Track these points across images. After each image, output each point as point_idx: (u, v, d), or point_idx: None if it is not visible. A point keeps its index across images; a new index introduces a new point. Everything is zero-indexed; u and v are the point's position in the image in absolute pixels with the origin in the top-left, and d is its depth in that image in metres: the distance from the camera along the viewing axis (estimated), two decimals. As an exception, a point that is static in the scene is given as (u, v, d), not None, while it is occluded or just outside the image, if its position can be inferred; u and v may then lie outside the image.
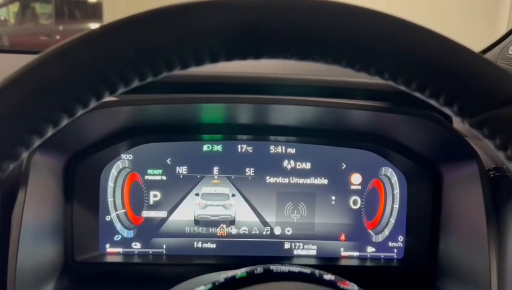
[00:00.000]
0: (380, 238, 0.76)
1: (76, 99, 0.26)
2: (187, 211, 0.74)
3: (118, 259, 0.73)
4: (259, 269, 0.45)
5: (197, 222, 0.74)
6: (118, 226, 0.73)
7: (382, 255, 0.76)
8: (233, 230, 0.75)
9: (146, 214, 0.74)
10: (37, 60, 0.25)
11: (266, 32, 0.26)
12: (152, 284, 0.72)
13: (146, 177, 0.73)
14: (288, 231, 0.75)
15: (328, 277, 0.46)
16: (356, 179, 0.75)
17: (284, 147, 0.75)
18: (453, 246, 0.69)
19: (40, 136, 0.26)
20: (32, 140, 0.26)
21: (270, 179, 0.75)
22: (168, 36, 0.26)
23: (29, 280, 0.60)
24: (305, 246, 0.76)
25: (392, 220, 0.75)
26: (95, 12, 5.56)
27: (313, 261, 0.75)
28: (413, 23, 0.27)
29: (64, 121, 0.27)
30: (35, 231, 0.62)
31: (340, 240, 0.76)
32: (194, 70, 0.27)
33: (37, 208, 0.62)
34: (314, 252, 0.76)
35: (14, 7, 5.40)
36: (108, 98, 0.28)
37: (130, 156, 0.73)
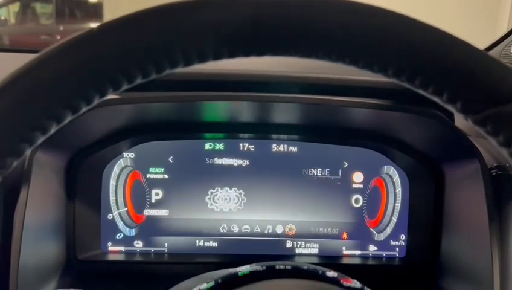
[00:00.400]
0: (382, 236, 0.76)
1: (80, 96, 0.26)
2: (189, 210, 0.74)
3: (120, 257, 0.73)
4: (261, 266, 0.45)
5: (199, 220, 0.74)
6: (120, 224, 0.73)
7: (384, 253, 0.76)
8: (235, 228, 0.75)
9: (148, 212, 0.74)
10: (41, 57, 0.25)
11: (269, 29, 0.26)
12: (154, 282, 0.72)
13: (148, 175, 0.73)
14: (290, 229, 0.75)
15: (331, 273, 0.46)
16: (358, 177, 0.75)
17: (285, 146, 0.75)
18: (455, 245, 0.69)
19: (44, 133, 0.26)
20: (36, 137, 0.26)
21: (271, 178, 0.74)
22: (171, 33, 0.26)
23: (31, 278, 0.60)
24: (307, 245, 0.76)
25: (394, 219, 0.75)
26: (96, 12, 5.56)
27: (314, 260, 0.75)
28: (416, 19, 0.27)
29: (68, 118, 0.27)
30: (37, 229, 0.62)
31: (342, 239, 0.76)
32: (197, 68, 0.27)
33: (39, 206, 0.62)
34: (316, 251, 0.76)
35: (15, 7, 5.40)
36: (111, 96, 0.28)
37: (132, 155, 0.73)
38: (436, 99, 0.28)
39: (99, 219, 0.72)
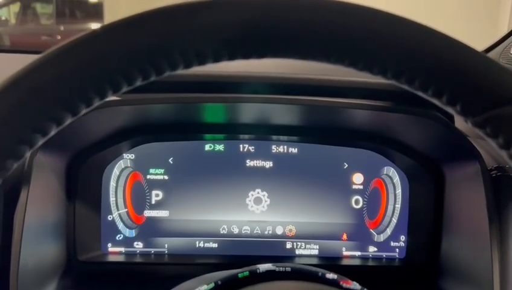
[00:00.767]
0: (381, 237, 0.76)
1: (80, 98, 0.26)
2: (189, 211, 0.74)
3: (120, 258, 0.74)
4: (261, 268, 0.45)
5: (199, 221, 0.74)
6: (120, 225, 0.73)
7: (384, 254, 0.76)
8: (235, 229, 0.75)
9: (148, 213, 0.74)
10: (41, 59, 0.25)
11: (269, 32, 0.26)
12: (154, 283, 0.72)
13: (148, 176, 0.73)
14: (290, 230, 0.76)
15: (331, 275, 0.46)
16: (358, 178, 0.75)
17: (285, 147, 0.75)
18: (455, 246, 0.69)
19: (44, 135, 0.26)
20: (36, 139, 0.26)
21: (271, 179, 0.75)
22: (171, 35, 0.26)
23: (31, 279, 0.61)
24: (307, 246, 0.76)
25: (394, 220, 0.75)
26: (96, 12, 5.56)
27: (314, 261, 0.75)
28: (416, 22, 0.27)
29: (68, 120, 0.27)
30: (37, 230, 0.62)
31: (342, 240, 0.76)
32: (196, 69, 0.27)
33: (39, 208, 0.62)
34: (316, 252, 0.76)
35: (15, 7, 5.40)
36: (111, 97, 0.28)
37: (132, 156, 0.73)
38: (435, 101, 0.28)
39: (100, 220, 0.73)
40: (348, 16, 0.26)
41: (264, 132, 0.74)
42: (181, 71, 0.27)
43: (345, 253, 0.76)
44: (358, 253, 0.76)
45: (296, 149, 0.75)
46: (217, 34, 0.26)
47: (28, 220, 0.59)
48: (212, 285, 0.44)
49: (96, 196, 0.72)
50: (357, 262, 0.76)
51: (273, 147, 0.75)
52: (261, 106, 0.67)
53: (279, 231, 0.75)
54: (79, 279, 0.70)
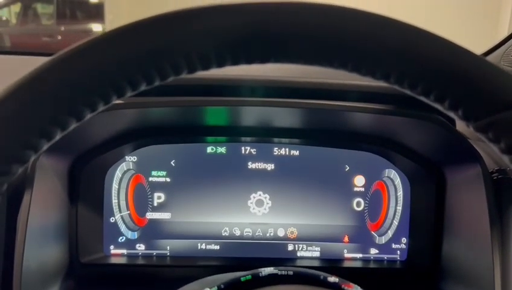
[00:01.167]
0: (383, 240, 0.76)
1: (85, 104, 0.26)
2: (191, 213, 0.74)
3: (122, 260, 0.74)
4: (264, 271, 0.45)
5: (201, 223, 0.75)
6: (122, 227, 0.74)
7: (385, 257, 0.77)
8: (237, 232, 0.75)
9: (150, 215, 0.74)
10: (46, 64, 0.26)
11: (272, 37, 0.26)
12: (156, 285, 0.72)
13: (150, 179, 0.74)
14: (292, 232, 0.76)
15: (332, 279, 0.46)
16: (359, 181, 0.75)
17: (287, 149, 0.75)
18: (456, 248, 0.69)
19: (49, 140, 0.27)
20: (41, 144, 0.27)
21: (273, 181, 0.75)
22: (176, 40, 0.26)
23: (34, 282, 0.61)
24: (309, 248, 0.76)
25: (396, 222, 0.76)
26: (97, 12, 5.56)
27: (316, 263, 0.75)
28: (419, 27, 0.27)
29: (73, 125, 0.27)
30: (40, 232, 0.62)
31: (344, 242, 0.76)
32: (199, 73, 0.27)
33: (42, 210, 0.62)
34: (317, 254, 0.76)
35: (16, 7, 5.40)
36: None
37: (134, 158, 0.73)
38: (437, 106, 0.28)
39: (102, 222, 0.73)
40: (350, 21, 0.26)
41: (265, 134, 0.74)
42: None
43: (347, 255, 0.76)
44: (359, 255, 0.77)
45: (297, 151, 0.75)
46: (221, 39, 0.26)
47: (31, 222, 0.59)
48: (215, 288, 0.44)
49: (99, 198, 0.72)
50: (358, 264, 0.76)
51: (275, 149, 0.75)
52: (263, 109, 0.67)
53: (280, 233, 0.76)
54: (81, 281, 0.71)
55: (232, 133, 0.74)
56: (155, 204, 0.74)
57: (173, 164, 0.74)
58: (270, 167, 0.75)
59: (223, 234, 0.75)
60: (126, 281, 0.72)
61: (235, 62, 0.27)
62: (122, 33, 0.26)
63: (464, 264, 0.67)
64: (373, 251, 0.77)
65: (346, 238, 0.76)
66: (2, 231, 0.61)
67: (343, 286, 0.45)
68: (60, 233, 0.68)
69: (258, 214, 0.75)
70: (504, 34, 0.92)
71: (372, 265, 0.76)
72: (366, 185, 0.75)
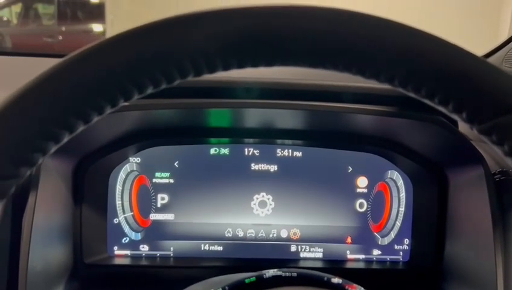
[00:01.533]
0: (386, 241, 0.76)
1: (93, 107, 0.27)
2: (194, 214, 0.75)
3: (126, 261, 0.74)
4: (268, 273, 0.46)
5: (204, 224, 0.75)
6: (126, 228, 0.74)
7: (388, 258, 0.77)
8: (240, 233, 0.75)
9: (154, 216, 0.74)
10: (54, 68, 0.26)
11: (277, 41, 0.26)
12: (160, 286, 0.72)
13: (154, 180, 0.74)
14: (295, 233, 0.76)
15: (336, 280, 0.46)
16: (362, 182, 0.76)
17: (290, 150, 0.75)
18: (459, 249, 0.70)
19: (57, 143, 0.27)
20: (49, 146, 0.27)
21: (276, 183, 0.75)
22: (182, 44, 0.26)
23: (39, 282, 0.61)
24: (312, 249, 0.76)
25: (398, 223, 0.76)
26: (98, 13, 5.56)
27: (319, 264, 0.75)
28: (422, 30, 0.27)
29: (80, 128, 0.27)
30: (45, 233, 0.62)
31: (346, 243, 0.76)
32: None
33: (47, 211, 0.63)
34: (320, 255, 0.77)
35: (17, 8, 5.40)
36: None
37: (138, 159, 0.74)
38: (441, 109, 0.29)
39: (106, 223, 0.73)
40: (354, 24, 0.27)
41: (268, 135, 0.74)
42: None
43: (349, 256, 0.77)
44: (362, 256, 0.77)
45: (300, 153, 0.75)
46: (227, 42, 0.26)
47: (36, 223, 0.59)
48: (219, 290, 0.44)
49: (103, 199, 0.73)
50: (361, 265, 0.76)
51: (278, 150, 0.75)
52: (266, 111, 0.67)
53: (283, 234, 0.76)
54: (85, 282, 0.71)
55: (235, 134, 0.74)
56: (159, 205, 0.74)
57: (177, 165, 0.74)
58: (273, 168, 0.75)
59: (226, 235, 0.75)
60: (130, 282, 0.73)
61: (241, 65, 0.27)
62: (128, 37, 0.26)
63: (466, 265, 0.68)
64: (376, 252, 0.77)
65: (349, 239, 0.76)
66: (7, 232, 0.61)
67: (346, 287, 0.45)
68: (64, 234, 0.68)
69: (261, 215, 0.75)
70: (505, 36, 0.92)
71: (374, 266, 0.76)
72: (369, 187, 0.76)
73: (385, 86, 0.29)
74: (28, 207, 0.60)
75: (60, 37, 4.92)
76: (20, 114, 0.26)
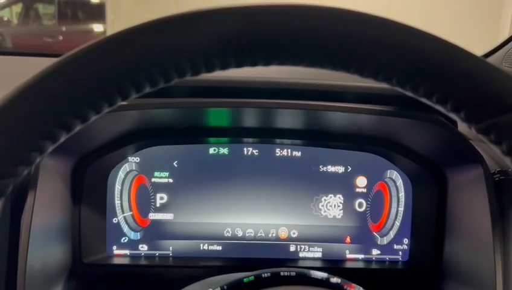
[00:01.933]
0: (385, 240, 0.76)
1: (90, 106, 0.27)
2: (193, 213, 0.75)
3: (125, 261, 0.74)
4: (266, 272, 0.46)
5: (203, 224, 0.75)
6: (125, 228, 0.74)
7: (387, 257, 0.77)
8: (239, 232, 0.75)
9: (153, 216, 0.74)
10: (51, 67, 0.26)
11: (274, 40, 0.26)
12: (159, 286, 0.72)
13: (153, 179, 0.74)
14: (294, 233, 0.76)
15: (335, 280, 0.46)
16: (361, 181, 0.76)
17: (289, 150, 0.75)
18: (458, 249, 0.70)
19: (54, 142, 0.27)
20: (47, 146, 0.27)
21: (275, 182, 0.75)
22: (180, 43, 0.26)
23: (38, 282, 0.61)
24: (311, 249, 0.76)
25: (397, 223, 0.76)
26: (98, 13, 5.56)
27: (318, 264, 0.75)
28: (420, 30, 0.27)
29: (78, 127, 0.27)
30: (44, 233, 0.62)
31: (346, 243, 0.76)
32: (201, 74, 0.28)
33: (45, 211, 0.62)
34: (319, 255, 0.76)
35: (17, 8, 5.41)
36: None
37: (137, 159, 0.74)
38: (440, 108, 0.29)
39: (105, 222, 0.73)
40: (352, 23, 0.27)
41: (268, 135, 0.74)
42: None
43: (349, 256, 0.77)
44: (361, 256, 0.77)
45: (299, 152, 0.75)
46: (225, 41, 0.26)
47: (34, 223, 0.59)
48: (218, 289, 0.44)
49: (102, 198, 0.72)
50: (360, 265, 0.76)
51: (277, 150, 0.75)
52: (265, 110, 0.67)
53: (282, 234, 0.76)
54: (84, 281, 0.71)
55: (234, 134, 0.74)
56: (158, 205, 0.74)
57: (176, 165, 0.74)
58: (272, 168, 0.75)
59: (226, 235, 0.75)
60: (129, 282, 0.73)
61: (239, 65, 0.27)
62: (126, 35, 0.26)
63: (465, 265, 0.68)
64: (375, 252, 0.77)
65: (348, 239, 0.76)
66: (6, 231, 0.61)
67: (345, 286, 0.45)
68: (63, 234, 0.68)
69: (260, 215, 0.75)
70: (505, 35, 0.92)
71: (374, 266, 0.76)
72: (368, 186, 0.76)
73: (384, 86, 0.29)
74: (27, 207, 0.60)
75: (61, 37, 4.93)
76: (17, 113, 0.26)
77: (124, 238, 0.74)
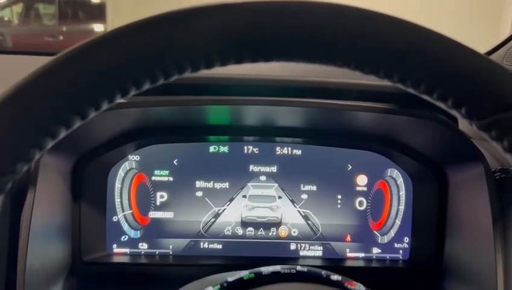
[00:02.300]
0: (385, 239, 0.76)
1: (90, 102, 0.26)
2: (193, 212, 0.74)
3: (125, 259, 0.74)
4: (266, 270, 0.45)
5: (203, 222, 0.75)
6: (125, 226, 0.74)
7: (388, 256, 0.77)
8: (240, 231, 0.75)
9: (153, 214, 0.74)
10: (51, 63, 0.26)
11: (275, 36, 0.26)
12: (159, 284, 0.72)
13: (153, 178, 0.74)
14: (294, 232, 0.76)
15: (335, 277, 0.46)
16: (362, 180, 0.76)
17: (289, 148, 0.75)
18: (458, 247, 0.69)
19: (53, 138, 0.27)
20: (46, 142, 0.27)
21: (275, 180, 0.75)
22: (179, 39, 0.26)
23: (38, 280, 0.61)
24: (311, 247, 0.76)
25: (398, 222, 0.76)
26: (99, 13, 5.56)
27: (318, 262, 0.75)
28: (422, 26, 0.27)
29: (77, 124, 0.27)
30: (44, 231, 0.62)
31: (346, 241, 0.76)
32: (201, 72, 0.27)
33: (45, 209, 0.62)
34: (320, 253, 0.76)
35: (18, 8, 5.41)
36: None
37: (137, 157, 0.73)
38: (441, 105, 0.28)
39: (105, 221, 0.73)
40: (353, 19, 0.27)
41: (268, 133, 0.74)
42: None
43: (349, 254, 0.76)
44: (362, 254, 0.77)
45: (300, 151, 0.75)
46: (225, 37, 0.26)
47: (34, 221, 0.59)
48: (218, 287, 0.44)
49: (102, 197, 0.72)
50: (361, 263, 0.76)
51: (277, 148, 0.75)
52: (265, 108, 0.67)
53: (283, 232, 0.76)
54: (84, 280, 0.71)
55: (235, 132, 0.74)
56: (158, 203, 0.74)
57: (176, 163, 0.74)
58: (272, 166, 0.75)
59: (226, 233, 0.75)
60: (129, 280, 0.73)
61: (239, 61, 0.27)
62: (125, 32, 0.26)
63: (466, 264, 0.67)
64: (375, 250, 0.77)
65: (348, 238, 0.76)
66: (6, 229, 0.61)
67: (346, 284, 0.45)
68: (63, 232, 0.68)
69: (260, 213, 0.75)
70: (506, 34, 0.92)
71: (374, 264, 0.76)
72: (369, 185, 0.76)
73: (384, 83, 0.28)
74: (27, 205, 0.60)
75: (61, 37, 4.93)
76: (16, 109, 0.25)
77: (124, 236, 0.74)
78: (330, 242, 0.76)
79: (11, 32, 5.15)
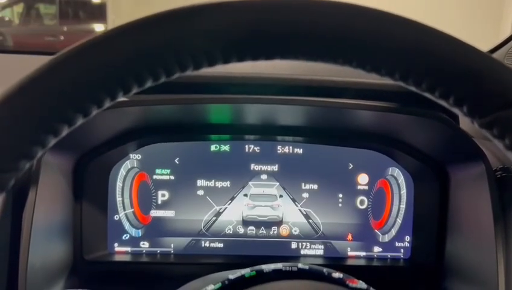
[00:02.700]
0: (386, 238, 0.76)
1: (92, 100, 0.27)
2: (195, 211, 0.75)
3: (126, 258, 0.74)
4: (268, 267, 0.45)
5: (204, 221, 0.75)
6: (127, 225, 0.74)
7: (389, 255, 0.77)
8: (241, 230, 0.75)
9: (154, 213, 0.74)
10: (54, 61, 0.26)
11: (276, 34, 0.26)
12: (160, 283, 0.72)
13: (154, 177, 0.74)
14: (295, 230, 0.76)
15: (337, 274, 0.46)
16: (363, 179, 0.76)
17: (291, 147, 0.75)
18: (460, 246, 0.69)
19: (56, 136, 0.27)
20: (48, 140, 0.27)
21: (276, 179, 0.75)
22: (181, 37, 0.26)
23: (39, 279, 0.61)
24: (312, 246, 0.76)
25: (399, 220, 0.76)
26: (99, 13, 5.56)
27: (319, 261, 0.75)
28: (423, 24, 0.27)
29: (80, 121, 0.27)
30: (45, 230, 0.62)
31: (347, 240, 0.76)
32: (203, 70, 0.27)
33: (47, 207, 0.63)
34: (321, 252, 0.76)
35: (19, 8, 5.41)
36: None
37: (138, 156, 0.74)
38: (442, 102, 0.28)
39: (106, 219, 0.73)
40: (355, 18, 0.27)
41: (269, 132, 0.74)
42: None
43: (350, 253, 0.77)
44: (363, 253, 0.77)
45: (301, 150, 0.75)
46: (226, 35, 0.26)
47: (36, 219, 0.59)
48: (219, 285, 0.44)
49: (103, 196, 0.73)
50: (362, 262, 0.76)
51: (279, 147, 0.75)
52: (267, 107, 0.67)
53: (284, 231, 0.76)
54: (85, 278, 0.71)
55: (236, 131, 0.74)
56: (159, 202, 0.74)
57: (177, 162, 0.74)
58: (273, 165, 0.75)
59: (227, 232, 0.75)
60: (130, 279, 0.73)
61: (241, 59, 0.27)
62: (127, 29, 0.26)
63: (467, 262, 0.67)
64: (376, 249, 0.77)
65: (349, 237, 0.76)
66: (7, 227, 0.61)
67: (347, 281, 0.45)
68: (64, 230, 0.68)
69: (261, 212, 0.75)
70: (507, 33, 0.92)
71: (375, 263, 0.76)
72: (370, 183, 0.76)
73: (386, 82, 0.29)
74: (28, 203, 0.60)
75: (62, 37, 4.93)
76: (18, 107, 0.25)
77: (125, 235, 0.74)
78: (331, 241, 0.76)
79: (12, 32, 5.15)
